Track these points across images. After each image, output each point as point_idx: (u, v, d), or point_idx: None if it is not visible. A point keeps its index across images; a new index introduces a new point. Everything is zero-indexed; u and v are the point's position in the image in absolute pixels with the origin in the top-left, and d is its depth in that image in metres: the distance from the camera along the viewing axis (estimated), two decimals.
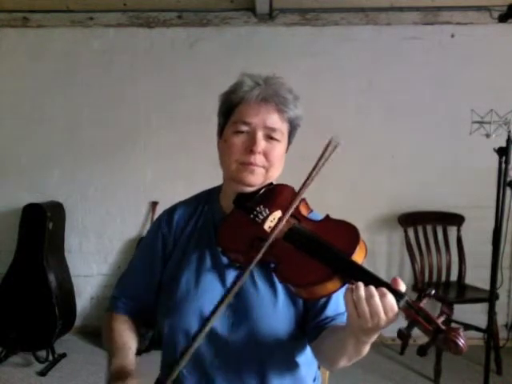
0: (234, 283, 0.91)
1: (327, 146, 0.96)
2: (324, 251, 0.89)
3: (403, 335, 0.79)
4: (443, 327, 0.77)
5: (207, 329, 0.89)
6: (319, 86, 3.30)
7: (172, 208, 1.20)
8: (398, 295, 0.79)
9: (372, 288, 0.80)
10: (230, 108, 1.09)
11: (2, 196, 3.49)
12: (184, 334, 1.05)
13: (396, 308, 0.79)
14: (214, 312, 0.90)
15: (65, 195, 3.46)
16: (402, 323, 0.80)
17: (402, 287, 0.81)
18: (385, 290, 0.79)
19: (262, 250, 0.92)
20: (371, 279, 0.82)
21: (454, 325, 0.79)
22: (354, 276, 0.84)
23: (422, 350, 0.80)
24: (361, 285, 0.81)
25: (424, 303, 0.79)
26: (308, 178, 0.97)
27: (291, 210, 0.97)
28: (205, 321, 0.90)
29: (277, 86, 1.07)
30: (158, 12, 3.36)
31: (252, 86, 1.06)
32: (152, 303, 1.15)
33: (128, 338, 1.10)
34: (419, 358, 3.04)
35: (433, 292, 0.81)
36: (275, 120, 1.06)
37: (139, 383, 0.93)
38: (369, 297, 0.79)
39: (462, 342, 0.74)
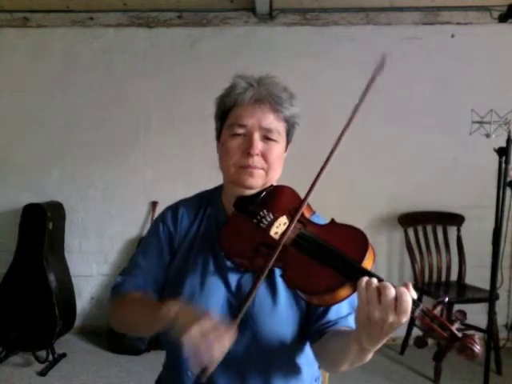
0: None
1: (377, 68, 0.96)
2: (334, 258, 0.87)
3: (421, 343, 0.79)
4: (459, 334, 0.77)
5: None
6: (319, 85, 3.30)
7: (175, 205, 1.19)
8: (414, 303, 0.78)
9: (388, 283, 0.79)
10: (225, 111, 1.09)
11: (1, 196, 3.49)
12: None
13: (410, 311, 0.77)
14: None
15: (65, 195, 3.46)
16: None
17: (413, 293, 0.80)
18: (405, 290, 0.78)
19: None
20: None
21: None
22: None
23: (438, 357, 0.80)
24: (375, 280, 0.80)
25: (438, 310, 0.79)
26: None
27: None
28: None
29: (270, 86, 1.06)
30: (158, 12, 3.36)
31: (245, 88, 1.05)
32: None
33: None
34: (419, 358, 3.05)
35: (446, 299, 0.82)
36: (271, 120, 1.05)
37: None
38: (385, 288, 0.78)
39: (477, 348, 0.75)
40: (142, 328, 1.06)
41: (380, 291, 0.78)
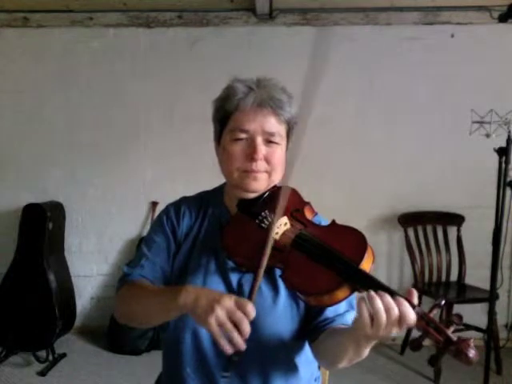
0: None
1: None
2: (332, 259, 0.88)
3: (415, 345, 0.79)
4: (454, 339, 0.76)
5: None
6: (319, 85, 3.29)
7: (178, 202, 1.19)
8: (410, 306, 0.79)
9: (389, 298, 0.79)
10: (226, 115, 1.08)
11: (1, 196, 3.49)
12: (191, 332, 1.05)
13: (412, 321, 0.78)
14: None
15: (65, 195, 3.45)
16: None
17: (416, 300, 0.80)
18: (403, 300, 0.78)
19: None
20: (380, 288, 0.82)
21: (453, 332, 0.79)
22: (363, 284, 0.84)
23: (433, 360, 0.80)
24: (375, 296, 0.79)
25: (434, 313, 0.79)
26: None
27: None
28: None
29: (270, 89, 1.07)
30: (157, 12, 3.35)
31: (246, 92, 1.05)
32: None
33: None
34: (419, 358, 3.05)
35: (442, 302, 0.82)
36: (273, 124, 1.06)
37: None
38: (388, 309, 0.78)
39: (472, 353, 0.74)
40: (151, 314, 1.03)
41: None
